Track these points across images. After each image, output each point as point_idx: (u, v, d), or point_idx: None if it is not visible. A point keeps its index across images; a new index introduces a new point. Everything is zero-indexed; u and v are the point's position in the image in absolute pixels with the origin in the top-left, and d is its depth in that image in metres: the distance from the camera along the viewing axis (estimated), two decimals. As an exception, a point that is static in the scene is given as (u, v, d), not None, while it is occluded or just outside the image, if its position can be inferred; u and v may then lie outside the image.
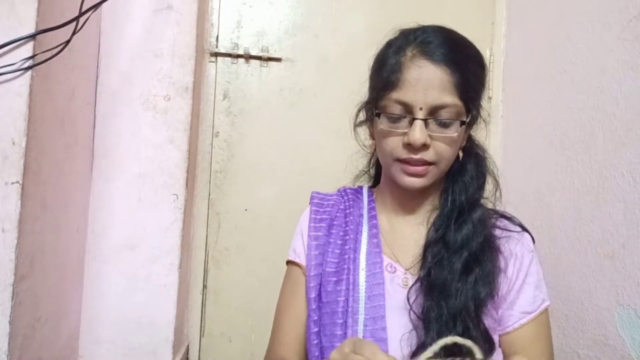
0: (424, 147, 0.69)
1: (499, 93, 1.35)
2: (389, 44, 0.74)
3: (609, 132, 0.90)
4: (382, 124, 0.71)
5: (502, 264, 0.73)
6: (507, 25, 1.36)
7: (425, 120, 0.68)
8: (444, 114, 0.68)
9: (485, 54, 1.37)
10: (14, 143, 0.73)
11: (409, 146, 0.69)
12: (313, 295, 0.76)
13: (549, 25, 1.13)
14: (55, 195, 0.86)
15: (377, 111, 0.72)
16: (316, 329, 0.74)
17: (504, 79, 1.35)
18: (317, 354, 0.73)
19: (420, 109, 0.67)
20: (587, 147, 0.95)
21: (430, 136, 0.68)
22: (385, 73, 0.70)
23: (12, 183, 0.73)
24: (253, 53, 1.29)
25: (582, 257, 0.94)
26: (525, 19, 1.27)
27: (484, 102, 0.78)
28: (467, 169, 0.77)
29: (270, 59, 1.30)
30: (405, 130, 0.69)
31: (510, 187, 1.22)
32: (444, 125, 0.69)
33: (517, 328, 0.72)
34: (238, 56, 1.29)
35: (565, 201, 1.01)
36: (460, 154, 0.75)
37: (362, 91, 0.80)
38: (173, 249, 1.08)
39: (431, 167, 0.71)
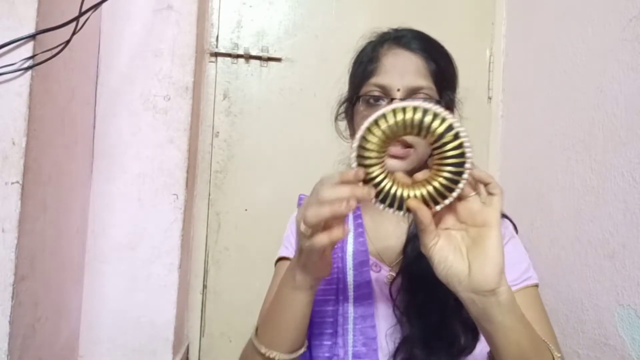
0: None
1: (499, 93, 1.35)
2: (367, 44, 0.78)
3: (609, 132, 0.89)
4: (362, 107, 0.73)
5: None
6: (507, 25, 1.36)
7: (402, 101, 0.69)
8: (421, 96, 0.71)
9: (485, 54, 1.37)
10: (14, 143, 0.73)
11: None
12: None
13: (549, 25, 1.13)
14: (55, 195, 0.86)
15: (357, 96, 0.74)
16: None
17: (504, 79, 1.34)
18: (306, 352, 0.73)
19: (398, 90, 0.70)
20: (587, 147, 0.95)
21: None
22: (363, 65, 0.75)
23: (12, 183, 0.73)
24: (253, 53, 1.29)
25: (582, 257, 0.94)
26: (525, 19, 1.27)
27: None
28: None
29: (270, 59, 1.30)
30: None
31: (510, 187, 1.22)
32: None
33: None
34: (238, 56, 1.29)
35: (565, 201, 1.01)
36: None
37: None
38: (173, 249, 1.08)
39: (411, 150, 0.72)
